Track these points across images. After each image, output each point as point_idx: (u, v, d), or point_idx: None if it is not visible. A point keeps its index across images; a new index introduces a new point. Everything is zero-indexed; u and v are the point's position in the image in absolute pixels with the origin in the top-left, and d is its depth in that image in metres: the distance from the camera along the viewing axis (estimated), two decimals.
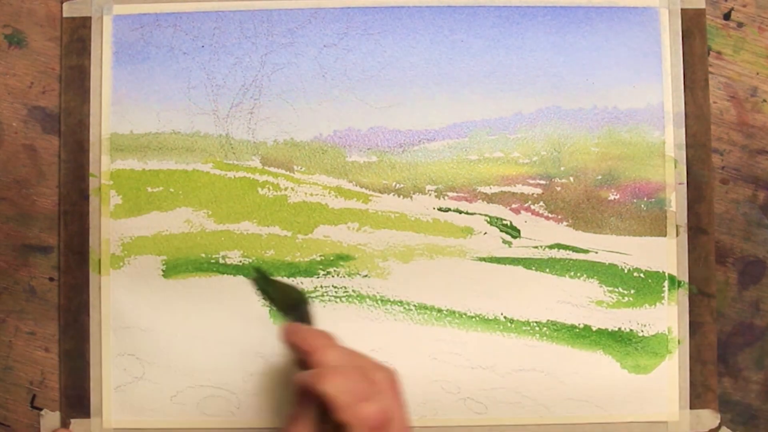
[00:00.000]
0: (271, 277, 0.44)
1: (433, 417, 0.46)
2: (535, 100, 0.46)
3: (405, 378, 0.37)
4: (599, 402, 0.46)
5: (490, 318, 0.46)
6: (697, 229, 0.46)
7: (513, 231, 0.46)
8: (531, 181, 0.46)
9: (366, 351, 0.37)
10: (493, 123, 0.46)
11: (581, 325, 0.46)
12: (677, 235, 0.46)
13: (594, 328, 0.46)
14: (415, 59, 0.47)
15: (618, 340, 0.46)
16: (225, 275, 0.46)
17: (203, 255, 0.46)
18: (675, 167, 0.46)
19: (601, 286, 0.46)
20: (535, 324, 0.46)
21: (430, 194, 0.46)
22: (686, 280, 0.46)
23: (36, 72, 0.47)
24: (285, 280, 0.45)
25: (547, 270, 0.46)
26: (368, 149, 0.46)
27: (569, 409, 0.46)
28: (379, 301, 0.46)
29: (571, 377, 0.46)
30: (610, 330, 0.46)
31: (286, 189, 0.46)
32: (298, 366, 0.38)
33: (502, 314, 0.46)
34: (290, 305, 0.42)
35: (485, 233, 0.46)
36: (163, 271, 0.46)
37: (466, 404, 0.46)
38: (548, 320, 0.46)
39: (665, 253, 0.46)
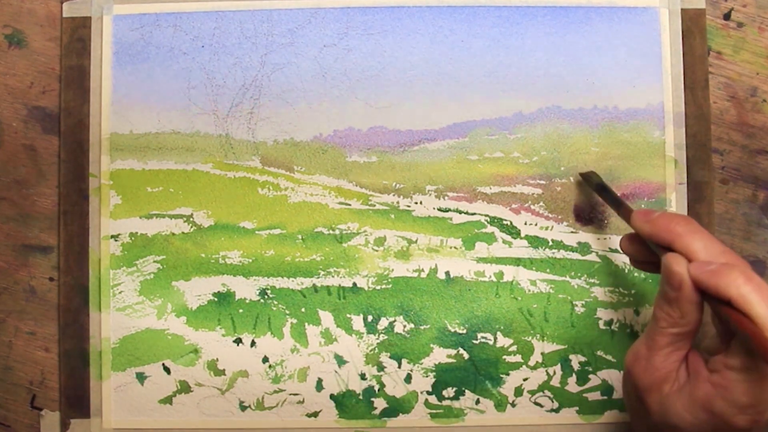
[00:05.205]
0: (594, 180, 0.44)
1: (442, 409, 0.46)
2: (535, 100, 0.46)
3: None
4: (599, 400, 0.46)
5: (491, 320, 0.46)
6: None
7: (513, 231, 0.46)
8: (531, 181, 0.46)
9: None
10: (493, 123, 0.46)
11: (581, 325, 0.46)
12: None
13: (594, 329, 0.46)
14: (415, 59, 0.47)
15: (619, 341, 0.46)
16: (225, 275, 0.46)
17: (203, 255, 0.46)
18: (675, 167, 0.46)
19: (601, 286, 0.46)
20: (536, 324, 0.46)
21: (430, 194, 0.46)
22: None
23: (36, 72, 0.47)
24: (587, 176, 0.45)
25: (548, 270, 0.46)
26: (368, 149, 0.46)
27: (570, 409, 0.46)
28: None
29: (570, 377, 0.46)
30: (610, 330, 0.46)
31: (286, 189, 0.46)
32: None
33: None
34: (599, 187, 0.42)
35: (485, 233, 0.46)
36: (162, 271, 0.46)
37: (466, 404, 0.46)
38: (550, 321, 0.46)
39: None
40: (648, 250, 0.37)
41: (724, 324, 0.33)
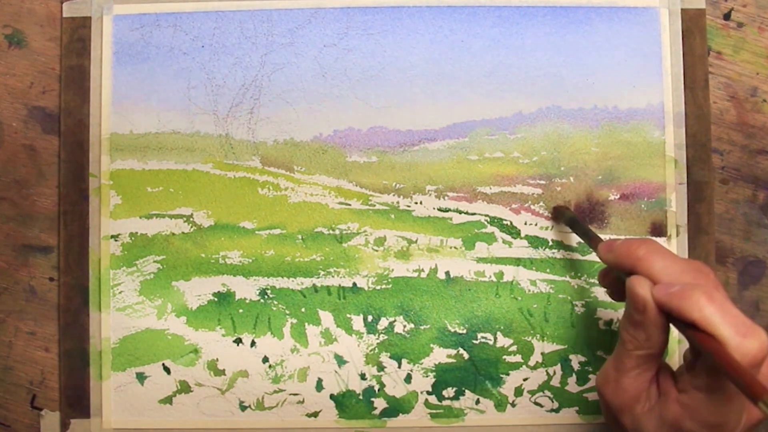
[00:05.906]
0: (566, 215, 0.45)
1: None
2: (535, 100, 0.46)
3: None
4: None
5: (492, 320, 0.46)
6: (697, 229, 0.46)
7: (513, 231, 0.46)
8: (531, 181, 0.46)
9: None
10: (493, 123, 0.46)
11: (581, 325, 0.46)
12: (677, 235, 0.46)
13: (594, 328, 0.46)
14: (415, 59, 0.47)
15: None
16: (225, 275, 0.46)
17: (203, 255, 0.46)
18: (675, 167, 0.46)
19: (601, 286, 0.46)
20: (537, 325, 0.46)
21: (430, 194, 0.46)
22: None
23: (36, 72, 0.47)
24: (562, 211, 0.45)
25: (548, 270, 0.46)
26: (368, 149, 0.46)
27: (570, 409, 0.46)
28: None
29: (570, 377, 0.46)
30: (610, 330, 0.46)
31: (286, 189, 0.46)
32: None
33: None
34: (570, 223, 0.43)
35: (485, 233, 0.46)
36: (162, 271, 0.46)
37: (466, 404, 0.46)
38: (550, 321, 0.46)
39: None
40: (621, 281, 0.37)
41: (690, 343, 0.33)
